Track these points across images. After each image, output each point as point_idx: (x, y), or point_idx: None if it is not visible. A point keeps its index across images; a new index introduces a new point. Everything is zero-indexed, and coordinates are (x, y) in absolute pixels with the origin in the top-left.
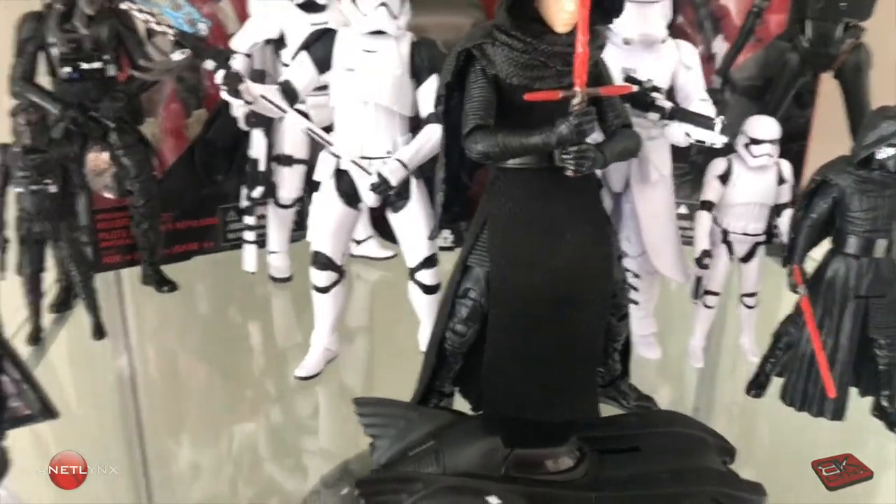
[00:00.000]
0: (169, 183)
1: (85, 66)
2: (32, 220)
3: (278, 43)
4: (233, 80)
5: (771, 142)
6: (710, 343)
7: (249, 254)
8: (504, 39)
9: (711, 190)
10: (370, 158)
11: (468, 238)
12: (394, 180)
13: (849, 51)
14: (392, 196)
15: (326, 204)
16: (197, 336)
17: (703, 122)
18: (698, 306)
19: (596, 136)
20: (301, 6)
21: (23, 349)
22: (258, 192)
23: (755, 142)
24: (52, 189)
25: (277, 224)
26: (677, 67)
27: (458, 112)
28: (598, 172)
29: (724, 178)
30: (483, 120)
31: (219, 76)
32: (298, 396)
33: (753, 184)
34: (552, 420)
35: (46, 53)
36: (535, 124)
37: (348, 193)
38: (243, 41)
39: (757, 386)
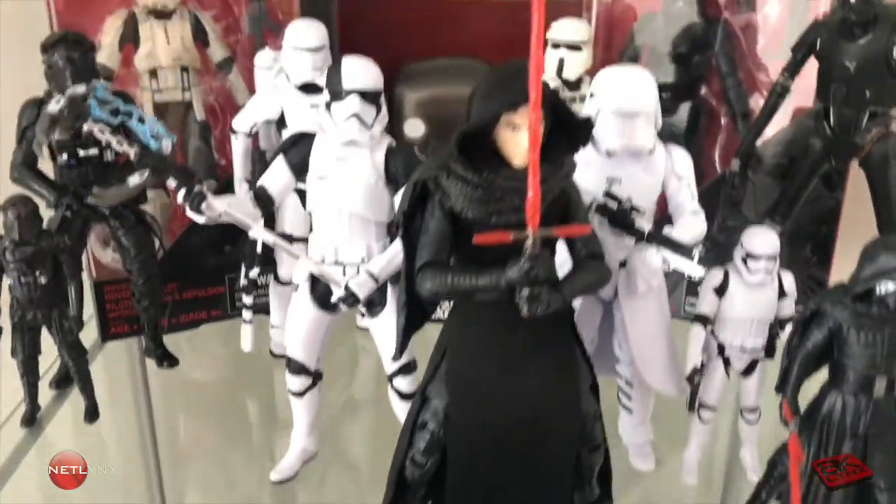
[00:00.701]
0: (177, 253)
1: (82, 153)
2: (25, 309)
3: (280, 122)
4: (195, 199)
5: (768, 257)
6: (710, 456)
7: (246, 333)
8: (459, 172)
9: (706, 303)
10: (345, 264)
11: (429, 366)
12: (361, 294)
13: (875, 140)
14: (373, 302)
15: (300, 309)
16: (196, 408)
17: (682, 251)
18: (694, 419)
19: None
20: (301, 88)
21: (17, 431)
22: (255, 272)
23: (752, 257)
24: (42, 280)
25: (278, 301)
26: (668, 177)
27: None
28: None
29: (721, 290)
30: (435, 255)
31: (181, 195)
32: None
33: (751, 299)
34: None
35: (48, 139)
36: (493, 259)
37: (323, 298)
38: (244, 121)
39: None
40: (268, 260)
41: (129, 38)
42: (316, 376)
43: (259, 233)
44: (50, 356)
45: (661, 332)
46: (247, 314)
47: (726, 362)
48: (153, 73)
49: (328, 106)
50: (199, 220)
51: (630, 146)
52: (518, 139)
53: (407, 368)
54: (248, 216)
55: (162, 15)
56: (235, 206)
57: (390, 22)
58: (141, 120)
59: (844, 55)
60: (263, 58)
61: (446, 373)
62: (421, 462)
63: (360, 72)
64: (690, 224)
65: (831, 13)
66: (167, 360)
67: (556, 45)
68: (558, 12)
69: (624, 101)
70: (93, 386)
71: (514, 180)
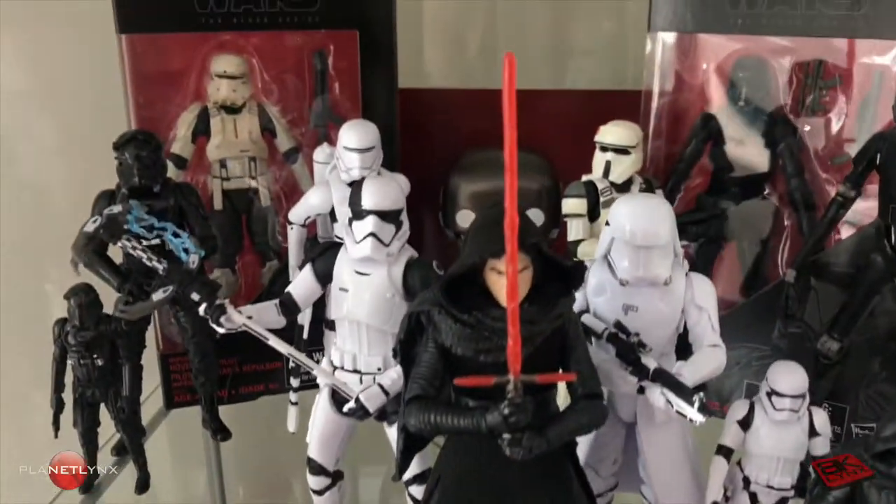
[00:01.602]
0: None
1: (145, 242)
2: (84, 387)
3: (332, 213)
4: (215, 312)
5: (794, 397)
6: None
7: (292, 415)
8: (449, 310)
9: (730, 435)
10: (362, 373)
11: (425, 492)
12: (371, 407)
13: None
14: (387, 411)
15: (320, 412)
16: (246, 481)
17: (684, 394)
18: None
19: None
20: (350, 185)
21: (75, 496)
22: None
23: (776, 394)
24: (100, 362)
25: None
26: (687, 306)
27: None
28: None
29: (745, 423)
30: (424, 390)
31: (202, 308)
32: None
33: (776, 436)
34: None
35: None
36: (483, 394)
37: (342, 403)
38: (298, 214)
39: None
40: (315, 345)
41: (202, 131)
42: (336, 476)
43: (275, 344)
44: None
45: (682, 461)
46: (293, 396)
47: (753, 497)
48: (222, 163)
49: (350, 222)
50: (220, 330)
51: (644, 277)
52: (502, 283)
53: (422, 477)
54: (269, 323)
55: (231, 110)
56: (257, 318)
57: (451, 112)
58: (175, 234)
59: None
60: (320, 153)
61: (437, 502)
62: None
63: (379, 193)
64: (707, 358)
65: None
66: (221, 433)
67: (604, 149)
68: (615, 106)
69: (637, 233)
70: (146, 459)
71: (502, 321)
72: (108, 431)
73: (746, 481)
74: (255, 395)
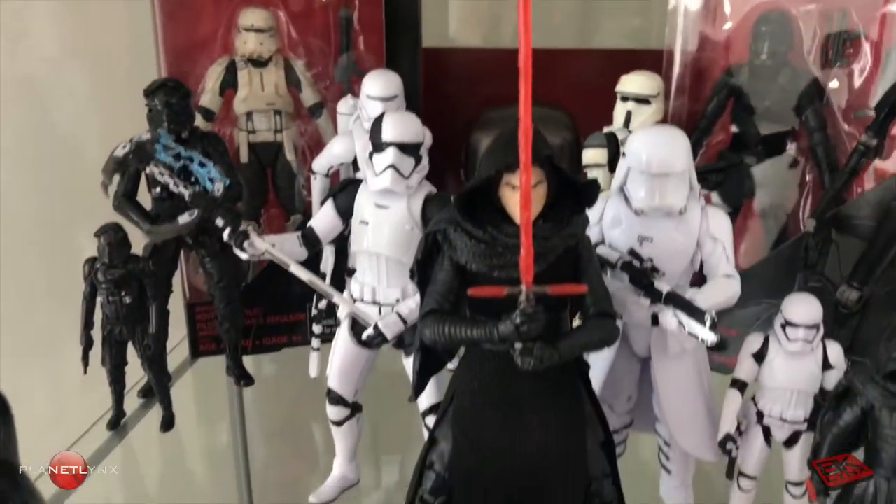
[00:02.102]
0: (264, 281)
1: (173, 187)
2: (112, 324)
3: (355, 163)
4: (238, 238)
5: (808, 327)
6: None
7: (314, 361)
8: (466, 227)
9: (744, 369)
10: (381, 305)
11: (440, 409)
12: (389, 334)
13: None
14: (404, 341)
15: (340, 344)
16: (267, 427)
17: (696, 315)
18: (733, 487)
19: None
20: None
21: (102, 433)
22: (325, 303)
23: (790, 325)
24: (128, 300)
25: None
26: (703, 237)
27: None
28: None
29: (760, 356)
30: (439, 304)
31: (226, 233)
32: None
33: (791, 368)
34: None
35: (146, 174)
36: (499, 308)
37: (361, 334)
38: (322, 163)
39: None
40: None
41: (230, 84)
42: (354, 408)
43: (296, 271)
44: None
45: (696, 394)
46: (315, 342)
47: (766, 431)
48: (249, 116)
49: (370, 156)
50: (244, 256)
51: (660, 206)
52: (517, 198)
53: (438, 408)
54: (290, 254)
55: (258, 63)
56: (279, 247)
57: (473, 71)
58: (201, 164)
59: None
60: (344, 105)
61: (452, 418)
62: (429, 501)
63: (400, 125)
64: (721, 287)
65: None
66: (244, 379)
67: (624, 98)
68: (638, 65)
69: (653, 161)
70: (170, 398)
71: (516, 237)
72: (134, 375)
73: (760, 415)
74: (279, 346)
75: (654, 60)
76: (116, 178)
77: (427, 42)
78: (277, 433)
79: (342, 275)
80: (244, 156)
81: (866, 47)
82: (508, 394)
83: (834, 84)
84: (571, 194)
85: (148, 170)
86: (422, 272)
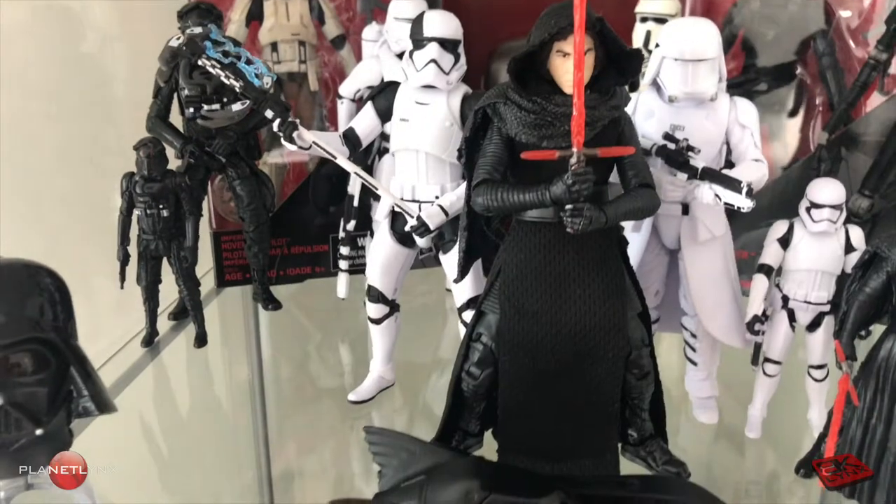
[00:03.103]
0: (287, 211)
1: (206, 108)
2: (149, 239)
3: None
4: (288, 128)
5: (832, 207)
6: (777, 413)
7: (342, 281)
8: (515, 99)
9: (770, 254)
10: (420, 202)
11: (486, 284)
12: (432, 224)
13: None
14: (444, 237)
15: (381, 242)
16: (296, 350)
17: (732, 185)
18: (758, 373)
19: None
20: (400, 56)
21: (137, 350)
22: (352, 225)
23: (815, 206)
24: (165, 213)
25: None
26: (731, 126)
27: None
28: (630, 226)
29: (785, 242)
30: (490, 175)
31: (276, 124)
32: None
33: (815, 250)
34: (567, 473)
35: (178, 95)
36: (545, 179)
37: (402, 233)
38: (349, 88)
39: (807, 465)
40: (365, 218)
41: (255, 15)
42: (393, 306)
43: (343, 163)
44: (172, 293)
45: (724, 281)
46: (343, 263)
47: (791, 316)
48: (274, 47)
49: (411, 54)
50: (291, 147)
51: (692, 92)
52: (567, 66)
53: (474, 302)
54: (335, 151)
55: None
56: (325, 141)
57: (492, 6)
58: (248, 61)
59: None
60: (369, 31)
61: (499, 289)
62: (475, 374)
63: (440, 22)
64: (751, 168)
65: None
66: (272, 303)
67: (644, 19)
68: None
69: (686, 48)
70: (203, 315)
71: (564, 106)
72: (165, 299)
73: (785, 300)
74: (302, 277)
75: None
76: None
77: None
78: (301, 358)
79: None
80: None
81: None
82: (553, 265)
83: (845, 13)
84: (616, 67)
85: (200, 61)
86: (469, 150)
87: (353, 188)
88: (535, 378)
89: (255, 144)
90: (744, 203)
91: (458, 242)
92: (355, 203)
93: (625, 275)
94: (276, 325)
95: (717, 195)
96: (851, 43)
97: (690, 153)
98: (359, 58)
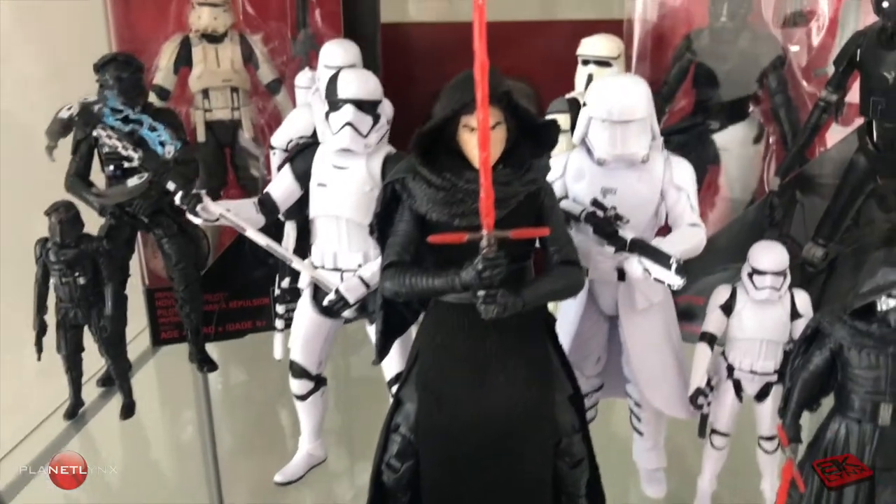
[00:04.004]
0: (225, 264)
1: (126, 164)
2: (67, 308)
3: (315, 136)
4: (191, 201)
5: (775, 273)
6: (728, 485)
7: (278, 341)
8: (424, 174)
9: (712, 321)
10: (342, 270)
11: (405, 369)
12: (352, 298)
13: None
14: (367, 308)
15: (302, 313)
16: (233, 413)
17: (661, 260)
18: (706, 445)
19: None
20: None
21: (60, 424)
22: (287, 282)
23: (757, 272)
24: (81, 281)
25: None
26: (666, 187)
27: None
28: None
29: (728, 308)
30: (399, 256)
31: (178, 197)
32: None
33: (759, 318)
34: None
35: (98, 152)
36: (460, 259)
37: (323, 304)
38: (281, 138)
39: None
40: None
41: (185, 61)
42: (318, 381)
43: (253, 235)
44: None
45: (666, 349)
46: (279, 323)
47: (737, 386)
48: (205, 94)
49: (327, 116)
50: (197, 221)
51: (621, 155)
52: (475, 141)
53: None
54: (247, 221)
55: (213, 39)
56: (235, 212)
57: (433, 46)
58: (152, 128)
59: (883, 65)
60: (302, 77)
61: (416, 376)
62: (396, 466)
63: (356, 82)
64: (686, 235)
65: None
66: (207, 364)
67: (585, 62)
68: (597, 31)
69: (613, 108)
70: (130, 384)
71: (476, 183)
72: (93, 365)
73: (730, 369)
74: (243, 332)
75: (616, 29)
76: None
77: (386, 17)
78: (243, 419)
79: (304, 253)
80: (201, 135)
81: (823, 4)
82: (474, 349)
83: (794, 48)
84: (531, 138)
85: (95, 132)
86: (381, 227)
87: (287, 242)
88: (459, 471)
89: None
90: (673, 281)
91: (375, 322)
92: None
93: (552, 356)
94: (216, 384)
95: (646, 269)
96: (803, 81)
97: (619, 223)
98: (295, 104)
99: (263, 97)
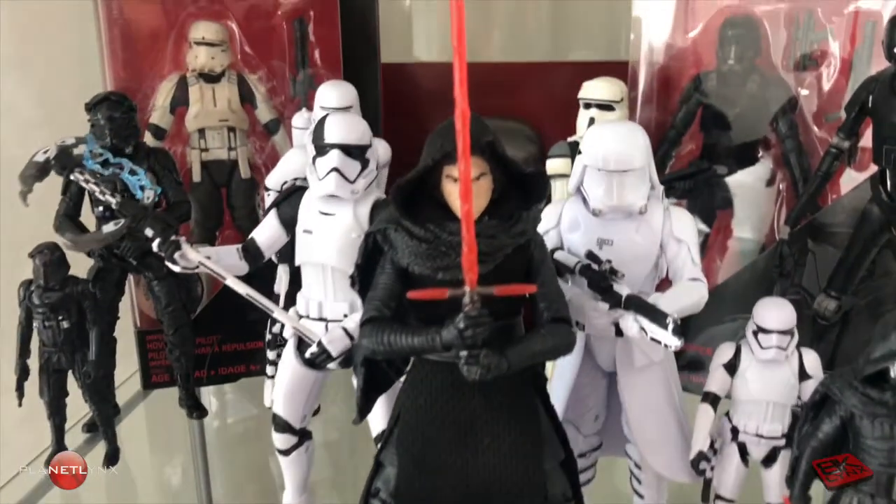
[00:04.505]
0: (219, 307)
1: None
2: (50, 352)
3: None
4: (169, 248)
5: (781, 332)
6: None
7: (268, 389)
8: (406, 225)
9: (715, 381)
10: (328, 321)
11: (386, 430)
12: (335, 350)
13: None
14: (352, 361)
15: (286, 364)
16: (220, 461)
17: (657, 318)
18: None
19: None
20: None
21: (41, 471)
22: (278, 327)
23: (762, 330)
24: (65, 325)
25: None
26: (666, 239)
27: None
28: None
29: (732, 367)
30: (379, 311)
31: (155, 244)
32: None
33: (765, 379)
34: None
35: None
36: (442, 316)
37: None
38: (276, 179)
39: None
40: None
41: (181, 101)
42: (302, 435)
43: (233, 284)
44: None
45: (667, 410)
46: (270, 369)
47: (742, 449)
48: (201, 133)
49: (314, 160)
50: (176, 269)
51: (618, 206)
52: (459, 192)
53: None
54: (229, 268)
55: (210, 78)
56: (216, 259)
57: (434, 86)
58: (131, 172)
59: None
60: (299, 118)
61: (397, 439)
62: None
63: (343, 126)
64: (685, 291)
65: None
66: (196, 411)
67: (587, 105)
68: (607, 75)
69: (610, 157)
70: (115, 430)
71: (460, 235)
72: (79, 410)
73: (735, 432)
74: (236, 376)
75: (623, 71)
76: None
77: (387, 57)
78: (235, 466)
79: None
80: (197, 175)
81: (835, 47)
82: (458, 410)
83: (805, 91)
84: (519, 189)
85: (72, 176)
86: (363, 278)
87: (279, 286)
88: None
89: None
90: (670, 341)
91: (356, 379)
92: (281, 303)
93: (543, 419)
94: (211, 427)
95: (642, 328)
96: (814, 126)
97: (614, 277)
98: (292, 141)
99: (261, 137)
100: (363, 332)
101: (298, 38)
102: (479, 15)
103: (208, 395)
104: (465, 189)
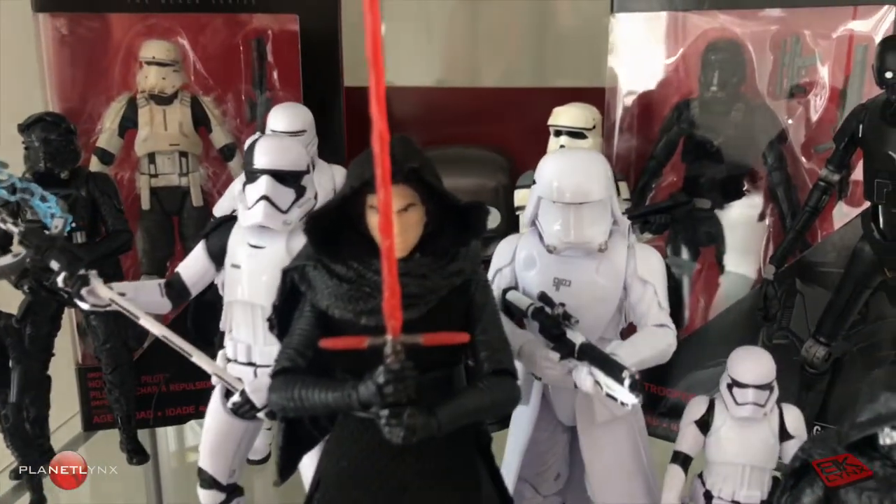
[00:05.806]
0: (166, 344)
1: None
2: None
3: None
4: (76, 283)
5: (758, 387)
6: None
7: None
8: (326, 263)
9: (686, 439)
10: (257, 366)
11: (306, 497)
12: (258, 401)
13: None
14: None
15: (212, 413)
16: None
17: (613, 371)
18: None
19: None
20: None
21: None
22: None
23: (738, 385)
24: None
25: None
26: (630, 281)
27: None
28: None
29: (705, 424)
30: (292, 361)
31: (60, 278)
32: None
33: (741, 438)
34: None
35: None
36: (371, 367)
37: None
38: (224, 207)
39: None
40: None
41: (131, 123)
42: (232, 491)
43: (147, 324)
44: None
45: (633, 469)
46: None
47: None
48: (151, 158)
49: (244, 188)
50: (84, 307)
51: (575, 243)
52: None
53: None
54: (148, 305)
55: (161, 100)
56: (133, 296)
57: (403, 110)
58: (42, 199)
59: (888, 144)
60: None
61: None
62: None
63: (275, 150)
64: (649, 338)
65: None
66: (137, 455)
67: (557, 133)
68: (584, 101)
69: (566, 188)
70: (40, 479)
71: None
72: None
73: (708, 496)
74: (185, 417)
75: (601, 97)
76: None
77: (350, 81)
78: None
79: None
80: (146, 202)
81: (823, 73)
82: (386, 475)
83: (790, 121)
84: (457, 222)
85: None
86: (281, 321)
87: (224, 323)
88: None
89: (117, 272)
90: (626, 398)
91: (276, 436)
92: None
93: (485, 485)
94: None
95: (597, 382)
96: (802, 158)
97: (566, 322)
98: None
99: (215, 163)
100: (273, 385)
101: (256, 59)
102: (458, 40)
103: (166, 433)
104: (386, 222)
